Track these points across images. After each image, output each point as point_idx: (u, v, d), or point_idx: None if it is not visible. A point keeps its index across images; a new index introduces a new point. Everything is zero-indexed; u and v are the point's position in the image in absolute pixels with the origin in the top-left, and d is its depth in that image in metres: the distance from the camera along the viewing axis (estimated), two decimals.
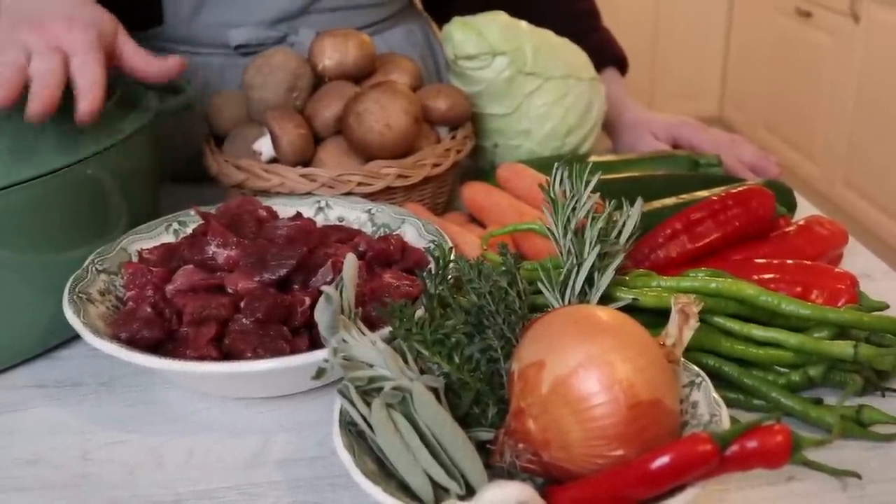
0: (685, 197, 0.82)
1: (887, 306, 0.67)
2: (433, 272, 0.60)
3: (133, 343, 0.62)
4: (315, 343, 0.64)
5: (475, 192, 0.87)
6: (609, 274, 0.61)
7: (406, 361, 0.53)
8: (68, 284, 0.67)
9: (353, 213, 0.80)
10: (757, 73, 3.88)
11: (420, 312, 0.58)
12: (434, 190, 0.90)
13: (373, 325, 0.61)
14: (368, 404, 0.50)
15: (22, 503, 0.57)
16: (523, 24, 1.00)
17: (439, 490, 0.49)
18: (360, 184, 0.83)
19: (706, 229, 0.73)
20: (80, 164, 0.69)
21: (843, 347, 0.59)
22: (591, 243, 0.62)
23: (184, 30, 1.02)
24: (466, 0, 1.09)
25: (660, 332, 0.54)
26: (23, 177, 0.66)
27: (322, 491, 0.57)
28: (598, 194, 0.64)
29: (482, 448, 0.51)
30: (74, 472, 0.59)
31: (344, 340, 0.53)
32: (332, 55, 0.90)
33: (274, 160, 0.86)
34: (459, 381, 0.54)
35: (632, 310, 0.60)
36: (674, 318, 0.54)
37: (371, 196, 0.83)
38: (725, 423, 0.50)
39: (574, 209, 0.63)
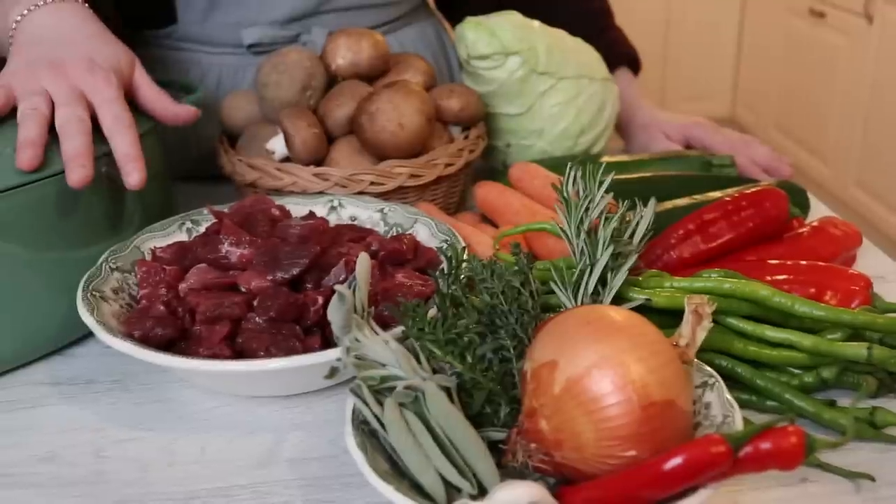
0: (698, 197, 0.82)
1: None
2: (446, 272, 0.60)
3: (146, 341, 0.62)
4: (328, 342, 0.64)
5: (487, 192, 0.87)
6: (622, 274, 0.61)
7: (418, 361, 0.53)
8: (82, 282, 0.67)
9: (365, 213, 0.81)
10: (769, 73, 3.87)
11: (432, 312, 0.58)
12: (446, 189, 0.90)
13: (385, 325, 0.61)
14: (381, 403, 0.50)
15: (37, 499, 0.57)
16: (536, 23, 1.00)
17: (451, 489, 0.49)
18: (372, 183, 0.83)
19: (719, 230, 0.73)
20: (94, 162, 0.69)
21: (857, 349, 0.59)
22: (604, 243, 0.61)
23: (197, 29, 1.02)
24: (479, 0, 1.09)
25: (673, 332, 0.54)
26: (37, 175, 0.66)
27: (334, 490, 0.57)
28: (611, 194, 0.64)
29: (494, 448, 0.51)
30: (88, 469, 0.60)
31: (357, 339, 0.53)
32: (346, 54, 0.90)
33: (287, 159, 0.86)
34: (472, 380, 0.54)
35: (645, 310, 0.60)
36: (687, 318, 0.54)
37: (384, 195, 0.83)
38: (738, 425, 0.50)
39: (587, 209, 0.63)
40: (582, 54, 1.01)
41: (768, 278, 0.67)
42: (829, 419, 0.59)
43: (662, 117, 1.11)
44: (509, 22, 0.96)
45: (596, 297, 0.61)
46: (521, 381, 0.52)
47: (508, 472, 0.50)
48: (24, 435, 0.63)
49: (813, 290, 0.67)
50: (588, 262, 0.61)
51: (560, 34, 1.01)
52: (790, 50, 3.66)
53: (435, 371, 0.54)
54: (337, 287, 0.53)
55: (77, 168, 0.65)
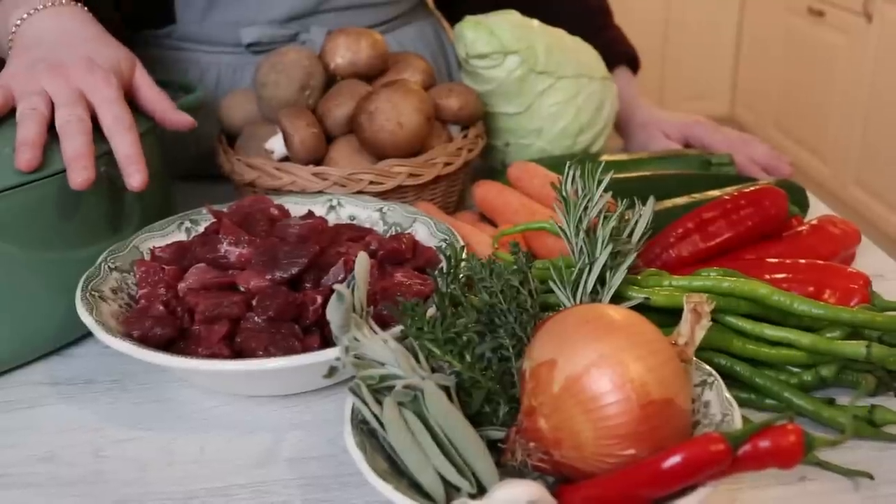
0: (697, 196, 0.82)
1: None
2: (444, 271, 0.60)
3: (145, 341, 0.62)
4: (327, 341, 0.64)
5: (486, 191, 0.87)
6: (621, 273, 0.61)
7: (417, 360, 0.53)
8: (81, 282, 0.67)
9: (364, 212, 0.81)
10: (768, 72, 3.87)
11: (431, 311, 0.58)
12: (445, 189, 0.90)
13: (384, 324, 0.61)
14: (380, 403, 0.50)
15: (36, 499, 0.57)
16: (535, 22, 0.99)
17: (450, 488, 0.49)
18: (371, 182, 0.83)
19: (718, 229, 0.73)
20: (95, 163, 0.69)
21: (856, 347, 0.59)
22: (602, 242, 0.61)
23: (196, 28, 1.02)
24: None
25: (672, 331, 0.54)
26: (36, 175, 0.66)
27: (333, 489, 0.57)
28: (609, 193, 0.64)
29: (493, 447, 0.51)
30: (87, 469, 0.60)
31: (355, 339, 0.53)
32: (345, 54, 0.90)
33: (286, 158, 0.86)
34: (471, 379, 0.54)
35: (644, 309, 0.60)
36: (686, 317, 0.54)
37: (382, 195, 0.83)
38: (737, 423, 0.50)
39: (586, 208, 0.63)
40: (581, 53, 1.01)
41: (767, 277, 0.67)
42: (828, 417, 0.59)
43: (661, 116, 1.11)
44: (508, 21, 0.96)
45: (595, 296, 0.61)
46: (519, 379, 0.52)
47: (507, 471, 0.50)
48: (22, 435, 0.63)
49: (812, 288, 0.67)
50: (587, 260, 0.61)
51: (559, 33, 1.01)
52: (789, 49, 3.66)
53: (434, 370, 0.54)
54: (336, 286, 0.53)
55: (80, 170, 0.65)
